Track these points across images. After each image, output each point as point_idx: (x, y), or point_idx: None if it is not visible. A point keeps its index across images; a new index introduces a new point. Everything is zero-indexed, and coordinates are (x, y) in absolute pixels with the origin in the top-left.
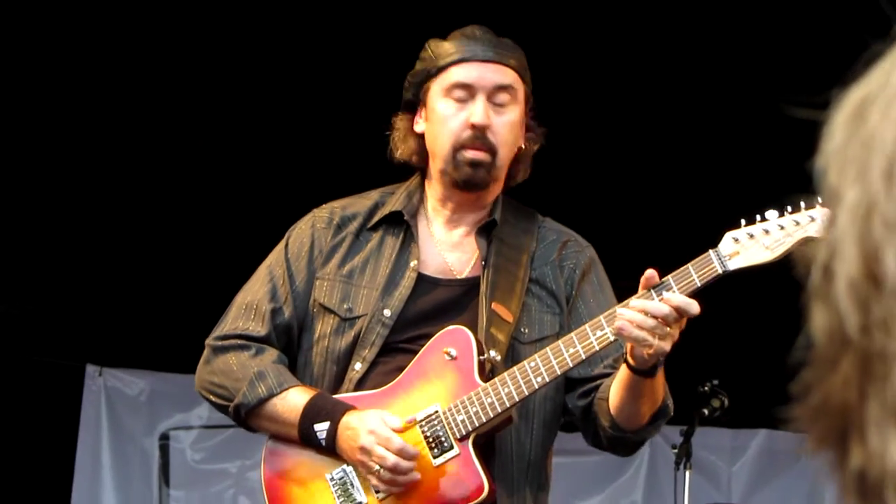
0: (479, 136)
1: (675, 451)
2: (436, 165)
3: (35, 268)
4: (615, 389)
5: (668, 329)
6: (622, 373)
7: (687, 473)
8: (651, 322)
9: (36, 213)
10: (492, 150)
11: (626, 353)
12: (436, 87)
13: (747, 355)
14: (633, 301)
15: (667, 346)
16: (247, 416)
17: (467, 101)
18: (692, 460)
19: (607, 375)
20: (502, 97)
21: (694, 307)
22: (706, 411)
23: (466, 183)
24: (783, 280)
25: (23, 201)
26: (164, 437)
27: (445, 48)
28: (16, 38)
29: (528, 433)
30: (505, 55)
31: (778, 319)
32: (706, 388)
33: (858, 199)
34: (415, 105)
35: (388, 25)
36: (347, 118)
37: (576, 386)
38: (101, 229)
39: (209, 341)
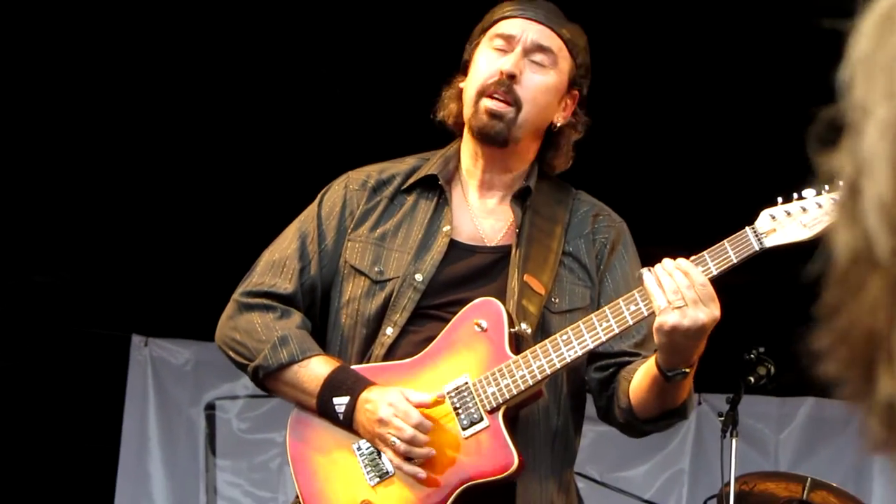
0: (504, 83)
1: (722, 419)
2: (466, 116)
3: (80, 238)
4: (638, 377)
5: (698, 295)
6: (649, 366)
7: (733, 442)
8: (681, 278)
9: (80, 184)
10: (516, 104)
11: (657, 352)
12: (483, 40)
13: (794, 322)
14: (665, 260)
15: (702, 315)
16: (265, 378)
17: (505, 52)
18: (739, 428)
19: (629, 354)
20: (541, 57)
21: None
22: (752, 379)
23: (482, 132)
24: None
25: (68, 172)
26: (210, 407)
27: (502, 7)
28: (41, 33)
29: (555, 404)
30: (557, 23)
31: (823, 287)
32: (752, 356)
33: (891, 115)
34: (467, 65)
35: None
36: (375, 92)
37: (595, 359)
38: (146, 199)
39: (236, 296)
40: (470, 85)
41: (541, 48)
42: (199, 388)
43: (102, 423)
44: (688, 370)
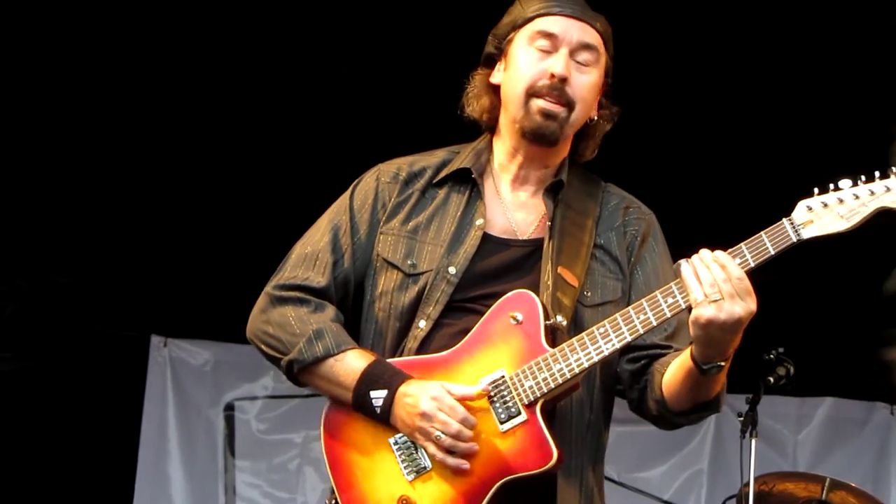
0: (557, 87)
1: (741, 419)
2: (508, 114)
3: (100, 240)
4: (672, 369)
5: (734, 289)
6: (684, 359)
7: (753, 442)
8: (718, 271)
9: (100, 186)
10: (569, 105)
11: (692, 344)
12: (520, 37)
13: (813, 323)
14: (702, 251)
15: (738, 309)
16: (300, 372)
17: (550, 52)
18: (758, 428)
19: (661, 347)
20: (585, 56)
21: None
22: (772, 379)
23: (535, 132)
24: (850, 249)
25: (89, 174)
26: (229, 408)
27: (536, 3)
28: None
29: (588, 397)
30: (593, 17)
31: (844, 288)
32: (772, 356)
33: None
34: (494, 59)
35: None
36: (394, 88)
37: (627, 351)
38: (166, 200)
39: (268, 289)
40: (515, 84)
41: (585, 47)
42: (219, 388)
43: (121, 424)
44: (723, 363)
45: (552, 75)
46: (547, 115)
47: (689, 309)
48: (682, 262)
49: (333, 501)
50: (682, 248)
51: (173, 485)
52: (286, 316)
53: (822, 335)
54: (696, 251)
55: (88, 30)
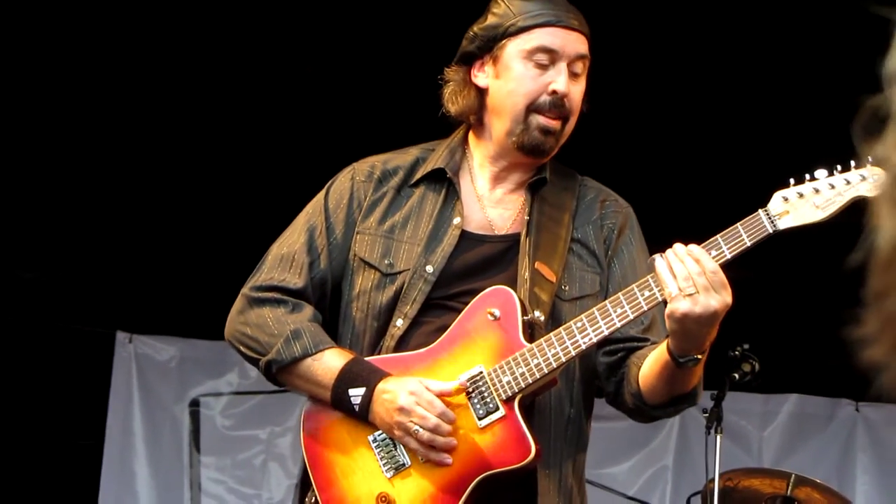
0: (558, 103)
1: (706, 415)
2: (500, 124)
3: (65, 234)
4: (649, 363)
5: (709, 282)
6: (660, 352)
7: (718, 438)
8: (692, 265)
9: (64, 181)
10: (565, 119)
11: (668, 338)
12: (515, 46)
13: (778, 320)
14: (676, 245)
15: (713, 302)
16: (278, 372)
17: (548, 67)
18: (723, 425)
19: (637, 340)
20: (579, 66)
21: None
22: (737, 376)
23: (534, 148)
24: (815, 246)
25: (52, 170)
26: (195, 404)
27: (526, 7)
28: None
29: (568, 392)
30: (583, 23)
31: (809, 284)
32: (737, 353)
33: None
34: (473, 58)
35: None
36: (368, 85)
37: (604, 344)
38: (131, 196)
39: (245, 291)
40: (514, 98)
41: (580, 57)
42: (184, 384)
43: (87, 420)
44: (699, 357)
45: (554, 91)
46: (546, 131)
47: (666, 302)
48: (656, 256)
49: (313, 500)
50: (659, 240)
51: (139, 481)
52: (264, 317)
53: (787, 332)
54: (672, 245)
55: (65, 26)
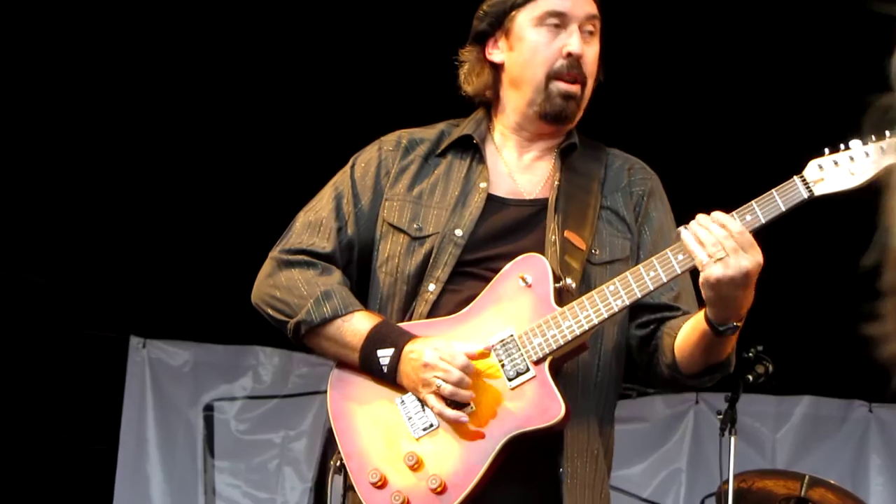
0: (575, 65)
1: (720, 417)
2: (520, 96)
3: (78, 239)
4: (685, 332)
5: (737, 244)
6: (697, 320)
7: (732, 439)
8: (718, 230)
9: (78, 185)
10: (583, 82)
11: (706, 307)
12: (525, 16)
13: (792, 322)
14: (699, 215)
15: (745, 262)
16: (307, 333)
17: (560, 30)
18: (737, 426)
19: (669, 308)
20: (591, 27)
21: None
22: (751, 378)
23: (557, 116)
24: (828, 248)
25: (66, 173)
26: (209, 408)
27: None
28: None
29: (595, 358)
30: None
31: (822, 287)
32: (750, 355)
33: None
34: (486, 36)
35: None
36: (368, 84)
37: (636, 315)
38: (145, 201)
39: (274, 254)
40: (533, 68)
41: (591, 17)
42: (198, 389)
43: (101, 425)
44: (738, 324)
45: (569, 54)
46: (567, 96)
47: (688, 269)
48: (681, 228)
49: (339, 462)
50: (690, 210)
51: (153, 485)
52: (293, 279)
53: (800, 334)
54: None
55: (61, 28)
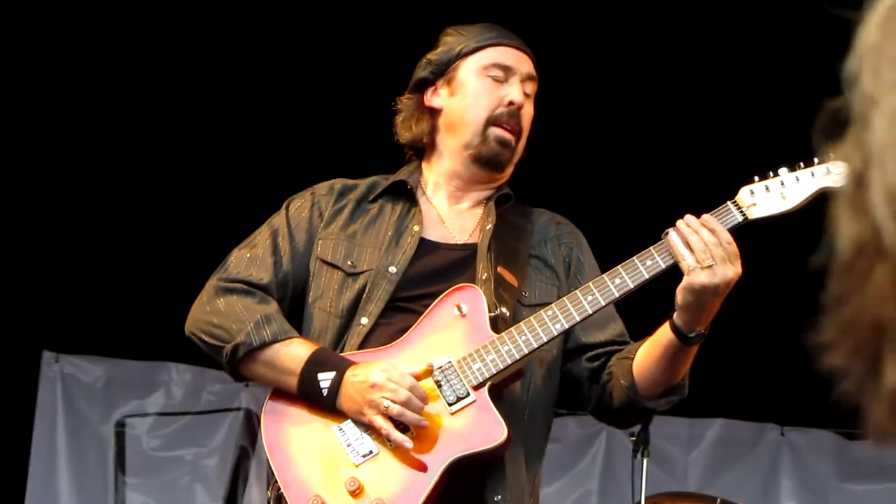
0: (515, 114)
1: (633, 439)
2: (456, 139)
3: None
4: (646, 349)
5: (726, 253)
6: (660, 332)
7: (645, 461)
8: (708, 235)
9: None
10: (519, 133)
11: (673, 312)
12: (469, 65)
13: (704, 344)
14: (688, 217)
15: (730, 272)
16: (244, 357)
17: (502, 81)
18: (649, 448)
19: (618, 343)
20: (530, 88)
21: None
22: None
23: (490, 160)
24: (743, 272)
25: None
26: (121, 424)
27: (477, 31)
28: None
29: (530, 383)
30: (531, 53)
31: (734, 311)
32: None
33: None
34: (427, 84)
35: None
36: (318, 115)
37: (584, 351)
38: (58, 215)
39: (212, 282)
40: (471, 112)
41: (531, 78)
42: (110, 405)
43: (11, 439)
44: (704, 331)
45: (511, 102)
46: (503, 143)
47: (626, 293)
48: (669, 230)
49: (277, 492)
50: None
51: (63, 501)
52: (232, 304)
53: (712, 356)
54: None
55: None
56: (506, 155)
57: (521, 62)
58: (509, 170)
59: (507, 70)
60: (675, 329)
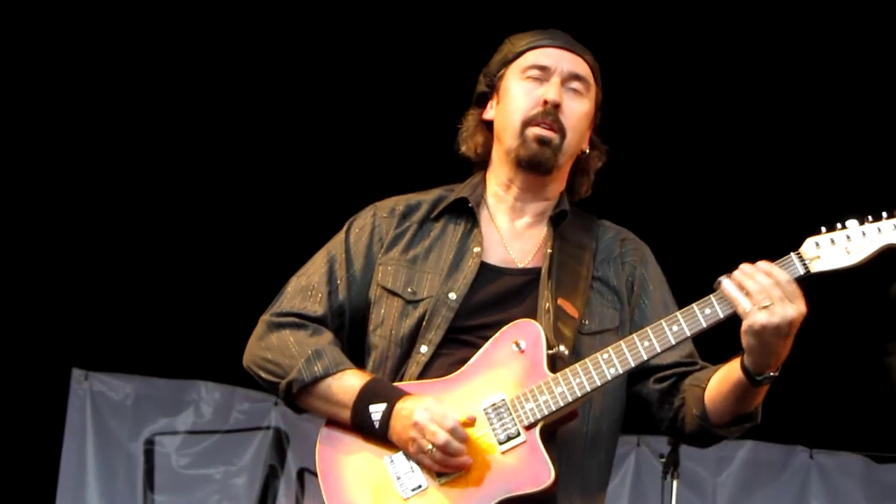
0: (551, 112)
1: (663, 460)
2: (503, 145)
3: (21, 271)
4: (716, 382)
5: (784, 293)
6: (731, 370)
7: (674, 483)
8: (763, 278)
9: (23, 216)
10: (561, 131)
11: (742, 355)
12: (511, 72)
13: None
14: (743, 265)
15: (790, 311)
16: (299, 392)
17: (542, 82)
18: (678, 470)
19: (685, 364)
20: (577, 84)
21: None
22: None
23: (531, 160)
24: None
25: (9, 204)
26: (150, 442)
27: (523, 38)
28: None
29: (586, 424)
30: (581, 50)
31: None
32: None
33: None
34: (486, 97)
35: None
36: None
37: (652, 372)
38: (89, 233)
39: (265, 317)
40: (510, 115)
41: (575, 77)
42: (139, 423)
43: (41, 457)
44: (775, 374)
45: (545, 101)
46: (542, 141)
47: (688, 337)
48: (722, 278)
49: None
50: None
51: None
52: (285, 340)
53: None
54: (714, 274)
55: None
56: (546, 154)
57: (563, 60)
58: (561, 173)
59: (545, 70)
60: (744, 370)
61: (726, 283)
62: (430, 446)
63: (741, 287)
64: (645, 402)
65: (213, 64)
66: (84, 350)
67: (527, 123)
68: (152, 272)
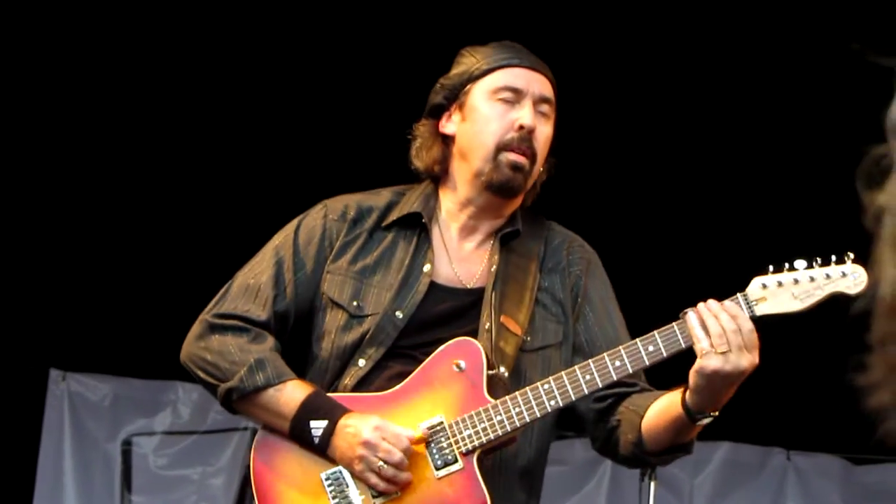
0: (526, 138)
1: None
2: (469, 165)
3: None
4: (655, 413)
5: (743, 342)
6: (671, 403)
7: (652, 485)
8: (728, 322)
9: None
10: (532, 157)
11: (684, 391)
12: (480, 89)
13: None
14: (710, 301)
15: (744, 362)
16: (238, 400)
17: (513, 104)
18: (655, 472)
19: (626, 385)
20: (545, 108)
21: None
22: None
23: (502, 186)
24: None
25: None
26: (127, 443)
27: (489, 53)
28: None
29: (525, 443)
30: (545, 69)
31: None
32: None
33: None
34: (442, 109)
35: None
36: (329, 122)
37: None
38: (67, 233)
39: (206, 317)
40: (480, 137)
41: (545, 100)
42: (117, 423)
43: (18, 457)
44: (714, 415)
45: (521, 126)
46: (516, 167)
47: (628, 374)
48: (689, 311)
49: None
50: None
51: None
52: (226, 344)
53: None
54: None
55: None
56: (518, 180)
57: (534, 83)
58: (522, 195)
59: (518, 92)
60: (685, 407)
61: (692, 317)
62: (381, 463)
63: (704, 325)
64: (580, 418)
65: (171, 67)
66: (62, 350)
67: (501, 148)
68: (131, 273)
